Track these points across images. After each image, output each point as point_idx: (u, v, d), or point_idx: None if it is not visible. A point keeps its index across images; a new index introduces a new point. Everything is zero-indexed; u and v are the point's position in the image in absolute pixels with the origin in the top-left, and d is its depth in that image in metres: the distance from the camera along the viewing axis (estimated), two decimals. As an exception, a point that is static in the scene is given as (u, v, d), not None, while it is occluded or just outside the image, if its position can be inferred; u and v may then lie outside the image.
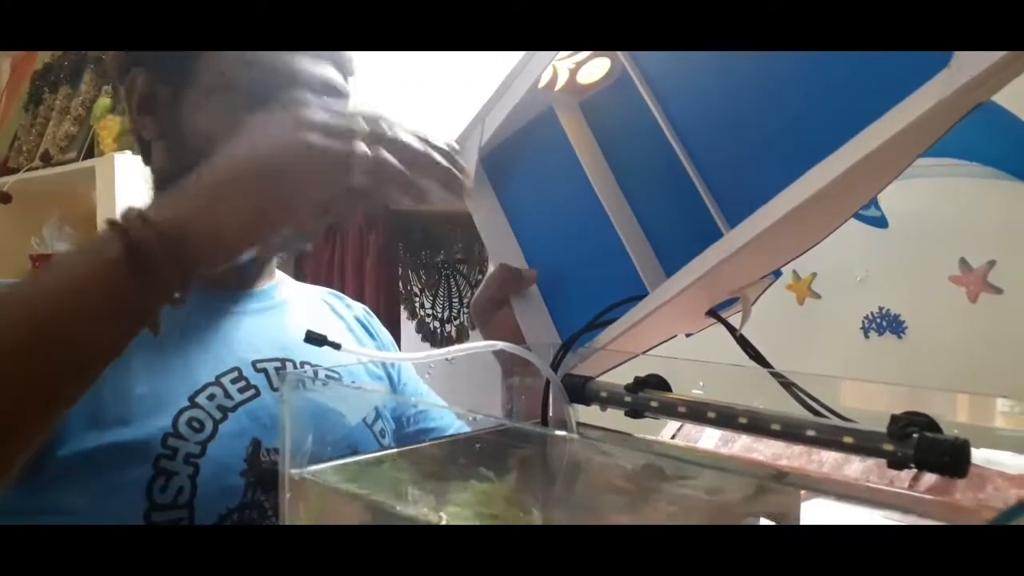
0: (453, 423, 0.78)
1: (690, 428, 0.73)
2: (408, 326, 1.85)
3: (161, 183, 0.69)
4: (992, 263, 0.81)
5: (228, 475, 0.62)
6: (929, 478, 0.60)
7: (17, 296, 0.44)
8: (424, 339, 1.84)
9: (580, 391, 0.61)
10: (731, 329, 0.60)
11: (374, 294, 1.66)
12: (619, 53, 0.59)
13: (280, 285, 0.76)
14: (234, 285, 0.71)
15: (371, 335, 0.82)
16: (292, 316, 0.74)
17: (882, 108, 0.43)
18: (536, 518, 0.53)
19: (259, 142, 0.46)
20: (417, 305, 1.88)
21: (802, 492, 0.51)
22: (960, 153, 0.87)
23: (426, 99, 1.33)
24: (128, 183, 1.66)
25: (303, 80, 0.64)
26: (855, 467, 0.66)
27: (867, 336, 0.88)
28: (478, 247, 1.72)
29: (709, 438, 0.73)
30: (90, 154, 1.82)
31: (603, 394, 0.60)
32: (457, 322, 1.83)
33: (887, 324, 0.85)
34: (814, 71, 0.48)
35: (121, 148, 1.71)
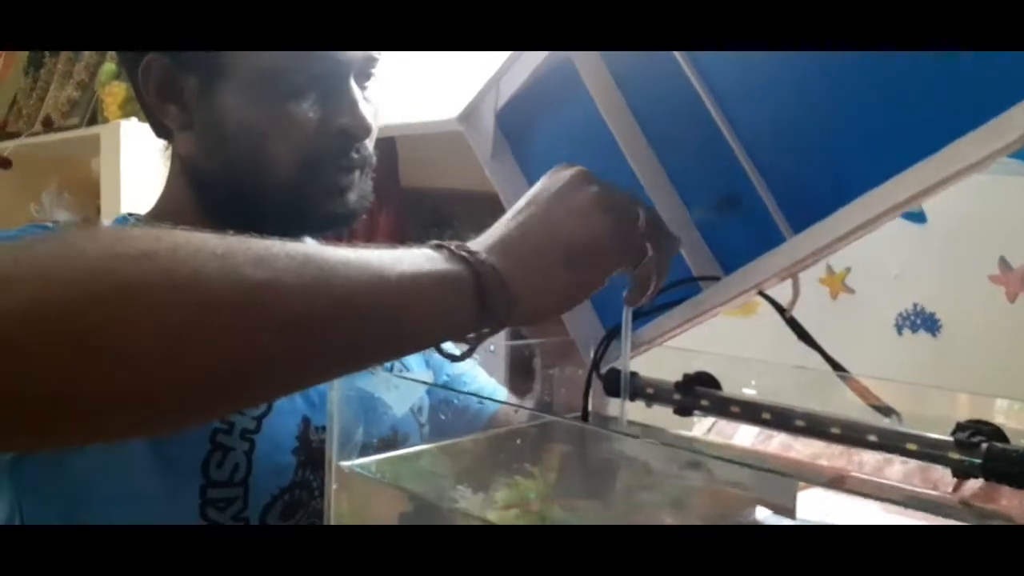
0: (489, 383, 0.77)
1: (724, 424, 0.72)
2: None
3: (197, 174, 0.65)
4: (1031, 263, 0.79)
5: (281, 453, 0.61)
6: (973, 483, 0.59)
7: (357, 266, 0.39)
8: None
9: (616, 384, 0.59)
10: (780, 310, 0.58)
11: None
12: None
13: None
14: (313, 222, 0.69)
15: None
16: None
17: (971, 124, 0.39)
18: (579, 516, 0.52)
19: (566, 220, 0.46)
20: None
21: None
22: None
23: (433, 63, 1.29)
24: (134, 151, 1.62)
25: (345, 64, 0.62)
26: (896, 469, 0.64)
27: (900, 333, 0.86)
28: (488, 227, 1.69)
29: (745, 434, 0.72)
30: (93, 120, 1.78)
31: (649, 390, 0.58)
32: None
33: (921, 322, 0.84)
34: (896, 72, 0.46)
35: (126, 115, 1.67)
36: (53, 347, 0.31)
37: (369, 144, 0.66)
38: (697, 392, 0.56)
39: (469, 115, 0.66)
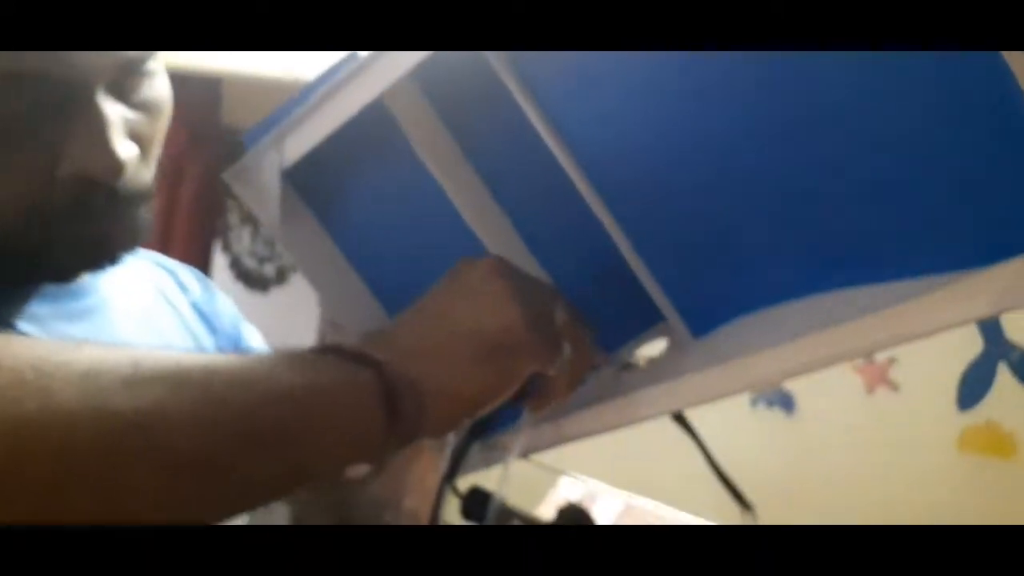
0: None
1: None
2: (221, 260, 1.63)
3: None
4: (893, 359, 0.79)
5: None
6: None
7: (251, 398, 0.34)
8: (238, 278, 1.62)
9: (482, 510, 0.50)
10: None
11: (185, 227, 1.42)
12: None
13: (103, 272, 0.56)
14: (51, 274, 0.52)
15: (211, 328, 0.64)
16: (120, 323, 0.55)
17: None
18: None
19: (476, 313, 0.42)
20: (233, 238, 1.66)
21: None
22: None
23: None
24: None
25: (83, 80, 0.44)
26: None
27: (754, 405, 0.84)
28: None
29: (607, 513, 0.66)
30: None
31: (515, 522, 0.49)
32: (278, 263, 1.64)
33: (777, 399, 0.82)
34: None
35: None
36: None
37: (139, 174, 0.49)
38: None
39: (241, 173, 0.52)
